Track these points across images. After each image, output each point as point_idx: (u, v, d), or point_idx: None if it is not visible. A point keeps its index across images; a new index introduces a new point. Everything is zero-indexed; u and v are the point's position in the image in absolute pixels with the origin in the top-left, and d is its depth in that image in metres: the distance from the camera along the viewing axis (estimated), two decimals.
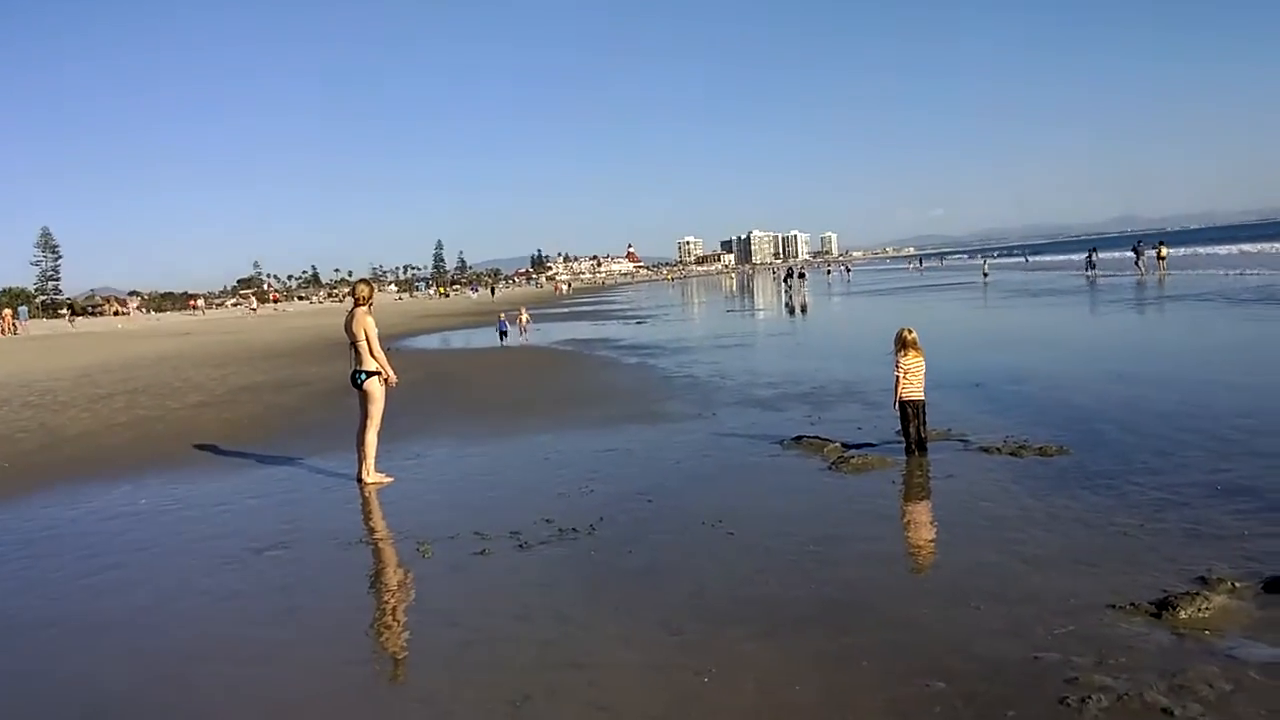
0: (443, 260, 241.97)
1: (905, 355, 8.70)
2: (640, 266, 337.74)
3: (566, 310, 54.62)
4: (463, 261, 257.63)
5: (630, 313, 45.44)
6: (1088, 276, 46.02)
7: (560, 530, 6.83)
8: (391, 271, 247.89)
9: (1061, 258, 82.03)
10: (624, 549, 6.35)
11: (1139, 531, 5.94)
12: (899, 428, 8.81)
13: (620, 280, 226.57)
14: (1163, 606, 4.65)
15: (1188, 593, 4.78)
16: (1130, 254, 49.98)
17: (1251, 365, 13.22)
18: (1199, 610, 4.59)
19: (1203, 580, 5.01)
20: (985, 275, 53.48)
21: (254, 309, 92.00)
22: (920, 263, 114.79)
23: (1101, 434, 9.04)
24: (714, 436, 10.34)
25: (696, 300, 61.89)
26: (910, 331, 8.80)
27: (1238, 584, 4.90)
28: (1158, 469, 7.49)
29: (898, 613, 4.91)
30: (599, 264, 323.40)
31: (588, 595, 5.51)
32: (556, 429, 11.46)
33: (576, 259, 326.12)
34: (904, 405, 8.63)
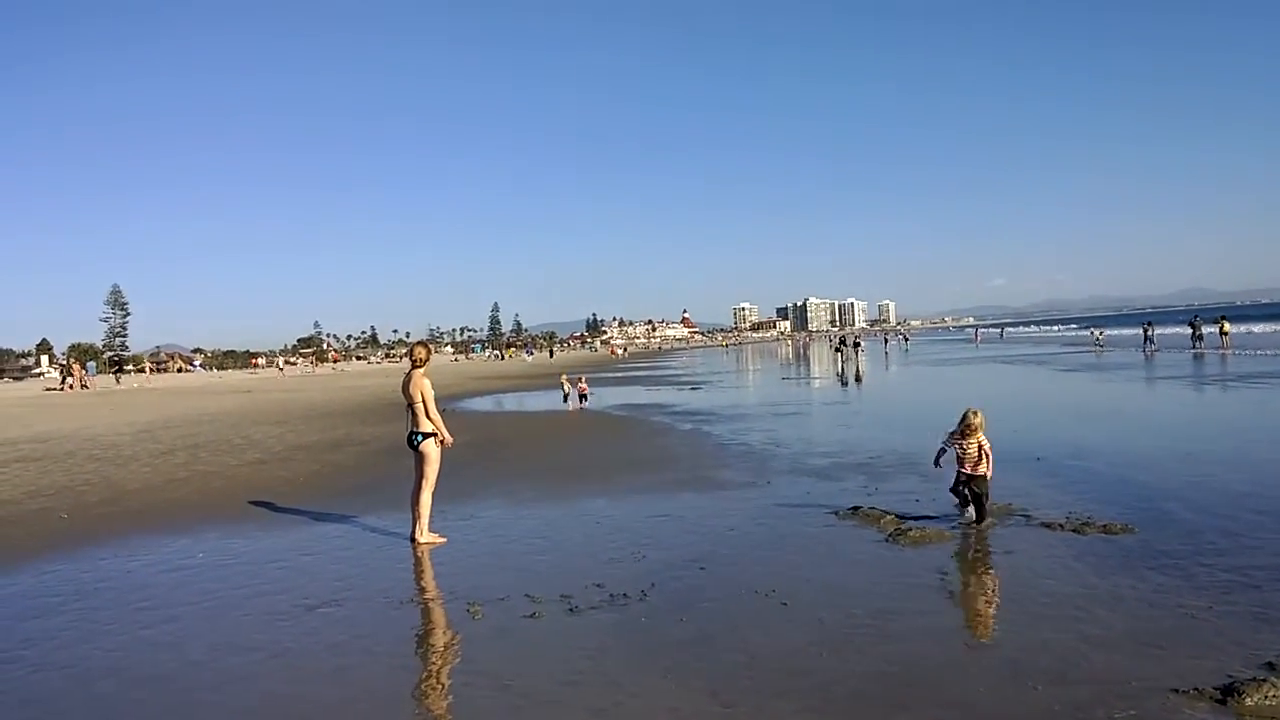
0: (499, 322, 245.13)
1: (967, 438, 8.67)
2: (695, 332, 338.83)
3: (621, 375, 54.80)
4: (518, 324, 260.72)
5: (685, 378, 45.45)
6: (1145, 351, 45.46)
7: (611, 595, 6.80)
8: (448, 333, 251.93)
9: (1123, 331, 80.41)
10: (675, 616, 6.30)
11: (1206, 614, 5.74)
12: (956, 501, 8.82)
13: (675, 345, 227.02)
14: (1228, 693, 4.50)
15: (1255, 679, 4.61)
16: (1187, 329, 49.20)
17: None
18: (1266, 698, 4.43)
19: (1270, 666, 4.83)
20: (1099, 344, 55.62)
21: (281, 370, 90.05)
22: (1002, 332, 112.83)
23: (1168, 513, 8.77)
24: (768, 505, 10.25)
25: (751, 367, 61.71)
26: (976, 414, 8.68)
27: None
28: (1226, 550, 7.25)
29: (954, 691, 4.78)
30: (654, 328, 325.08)
31: (638, 662, 5.46)
32: (609, 494, 11.46)
33: (631, 323, 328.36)
34: (959, 480, 8.78)
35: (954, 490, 8.96)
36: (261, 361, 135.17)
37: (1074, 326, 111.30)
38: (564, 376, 30.33)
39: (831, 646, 5.56)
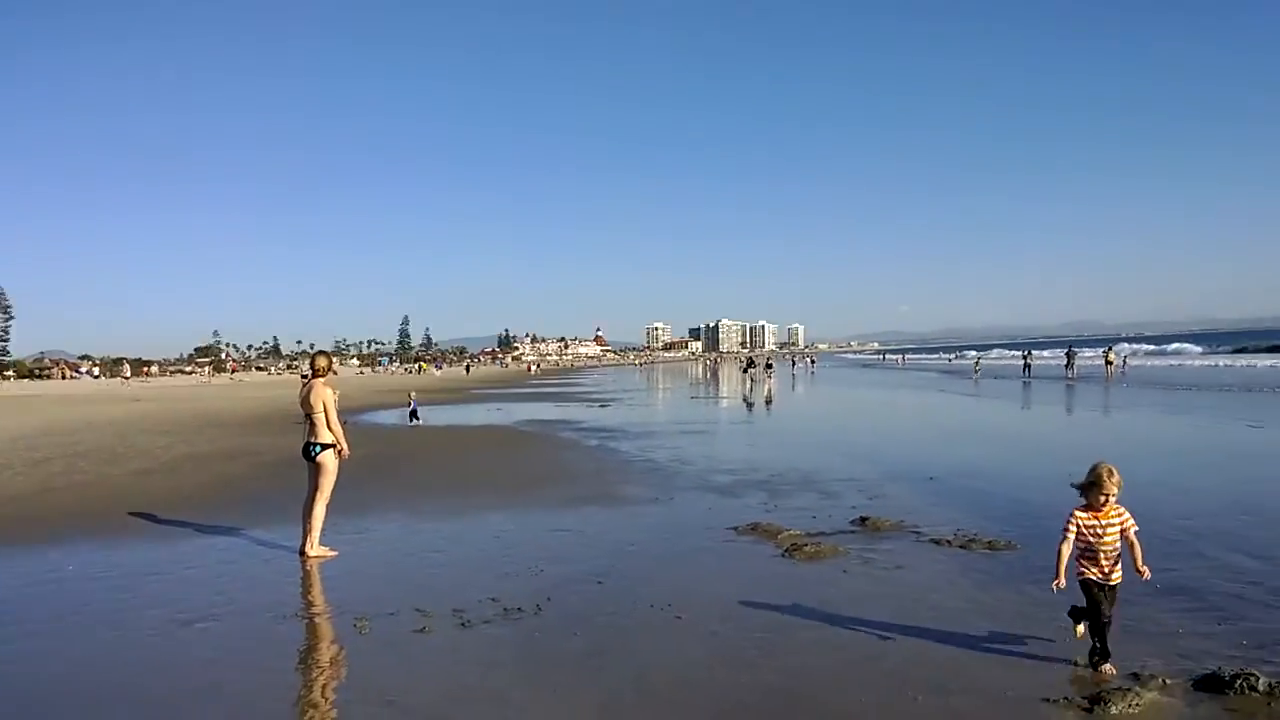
0: (408, 336, 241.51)
1: (1103, 511, 5.25)
2: (608, 350, 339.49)
3: (532, 391, 54.43)
4: (428, 338, 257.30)
5: (595, 395, 45.35)
6: (1025, 377, 47.89)
7: (505, 610, 6.69)
8: (354, 345, 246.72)
9: (1007, 361, 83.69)
10: (569, 630, 6.23)
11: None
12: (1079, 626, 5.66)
13: (588, 363, 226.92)
14: (1095, 702, 4.68)
15: (1120, 689, 4.81)
16: (1064, 358, 51.90)
17: (1196, 469, 13.45)
18: (1130, 706, 4.62)
19: (1135, 676, 5.05)
20: (976, 370, 58.87)
21: (126, 378, 79.77)
22: (902, 358, 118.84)
23: (1048, 529, 9.04)
24: (670, 520, 10.28)
25: (662, 386, 62.01)
26: (1113, 473, 5.22)
27: (1169, 681, 4.96)
28: None
29: (839, 703, 4.84)
30: (566, 346, 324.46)
31: (528, 677, 5.37)
32: (511, 508, 11.31)
33: (544, 340, 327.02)
34: (1092, 588, 5.27)
35: (1081, 613, 5.51)
36: (154, 369, 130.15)
37: (971, 354, 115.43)
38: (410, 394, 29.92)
39: (723, 660, 5.57)
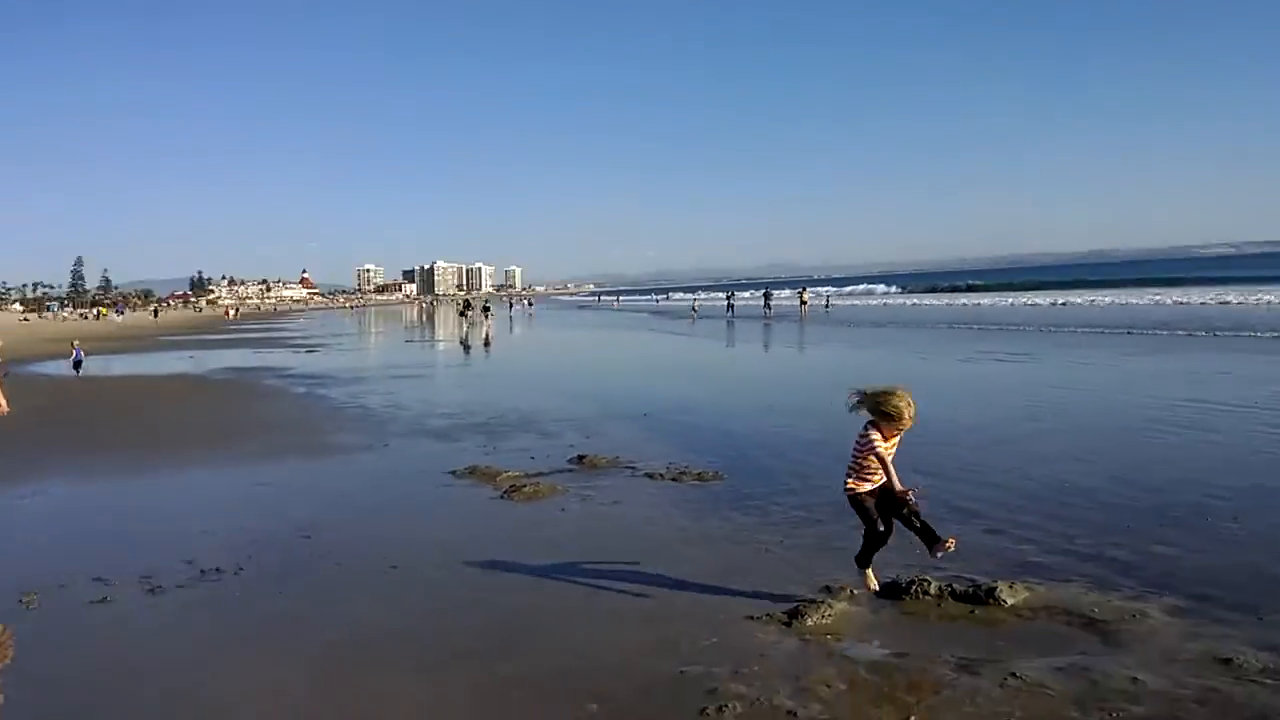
0: (82, 279, 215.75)
1: (891, 432, 5.11)
2: (315, 293, 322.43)
3: (229, 336, 50.52)
4: (107, 280, 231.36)
5: (301, 341, 42.88)
6: (728, 319, 50.57)
7: (201, 571, 6.18)
8: (16, 289, 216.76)
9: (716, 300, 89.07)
10: (274, 589, 5.86)
11: (779, 548, 6.44)
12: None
13: (293, 307, 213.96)
14: (793, 615, 5.07)
15: (814, 601, 5.24)
16: (761, 298, 56.03)
17: None
18: (822, 617, 5.05)
19: (828, 589, 5.51)
20: (695, 310, 60.35)
21: None
22: (617, 299, 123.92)
23: (753, 459, 9.76)
24: (384, 468, 9.98)
25: (374, 330, 59.83)
26: (911, 405, 5.09)
27: (855, 591, 5.44)
28: (797, 490, 8.19)
29: (558, 639, 4.91)
30: (268, 289, 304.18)
31: (227, 640, 5.00)
32: (206, 463, 10.45)
33: (243, 282, 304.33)
34: (866, 502, 5.26)
35: (872, 547, 5.33)
36: None
37: (679, 295, 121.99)
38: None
39: (441, 608, 5.48)
